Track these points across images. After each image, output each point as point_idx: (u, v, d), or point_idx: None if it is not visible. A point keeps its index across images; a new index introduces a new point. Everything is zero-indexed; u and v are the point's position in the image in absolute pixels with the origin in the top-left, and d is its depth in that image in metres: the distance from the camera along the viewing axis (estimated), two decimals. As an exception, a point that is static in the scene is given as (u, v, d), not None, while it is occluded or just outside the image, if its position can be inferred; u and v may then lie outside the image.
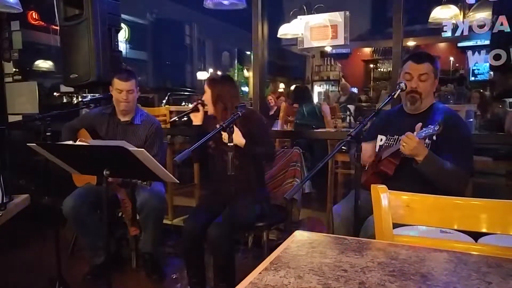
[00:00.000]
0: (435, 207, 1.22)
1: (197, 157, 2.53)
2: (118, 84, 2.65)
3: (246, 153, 2.30)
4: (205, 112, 2.45)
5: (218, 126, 1.96)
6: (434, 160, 1.86)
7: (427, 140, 1.88)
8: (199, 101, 2.44)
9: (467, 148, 2.00)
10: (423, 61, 2.05)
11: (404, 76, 2.08)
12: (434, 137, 1.85)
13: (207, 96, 2.39)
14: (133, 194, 2.60)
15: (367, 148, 2.08)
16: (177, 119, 2.44)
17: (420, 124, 1.87)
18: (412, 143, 1.82)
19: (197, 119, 2.44)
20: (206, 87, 2.42)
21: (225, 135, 2.22)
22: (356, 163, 1.73)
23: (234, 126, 2.20)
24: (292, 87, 12.20)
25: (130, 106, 2.71)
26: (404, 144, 1.84)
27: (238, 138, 2.25)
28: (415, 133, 1.84)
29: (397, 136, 2.09)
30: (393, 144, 2.11)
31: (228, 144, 1.92)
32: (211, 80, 2.45)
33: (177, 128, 4.12)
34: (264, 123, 2.53)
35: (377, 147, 2.22)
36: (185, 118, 2.71)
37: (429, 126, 1.80)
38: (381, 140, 2.20)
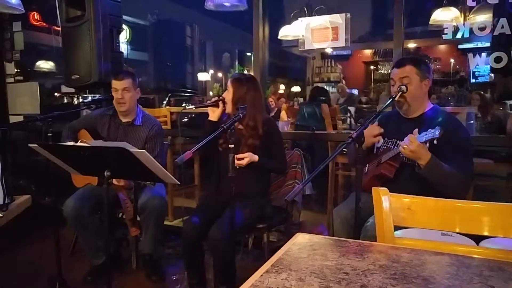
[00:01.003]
0: (436, 209, 1.22)
1: (206, 152, 2.53)
2: (114, 84, 2.68)
3: (258, 167, 2.31)
4: (223, 110, 2.40)
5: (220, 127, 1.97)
6: (437, 165, 1.86)
7: (427, 144, 1.88)
8: (221, 98, 2.41)
9: (467, 151, 2.00)
10: (403, 65, 2.07)
11: (390, 82, 2.12)
12: (435, 141, 1.85)
13: (229, 95, 2.37)
14: (134, 194, 2.61)
15: (371, 127, 2.09)
16: (194, 108, 2.40)
17: (416, 129, 1.87)
18: (412, 146, 1.82)
19: (214, 114, 2.40)
20: (229, 85, 2.40)
21: (240, 157, 2.24)
22: (357, 166, 1.73)
23: (244, 155, 2.24)
24: (293, 88, 12.24)
25: (127, 106, 2.71)
26: (405, 146, 1.84)
27: (250, 158, 2.27)
28: (415, 136, 1.84)
29: (395, 140, 2.10)
30: (391, 147, 2.11)
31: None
32: (236, 79, 2.41)
33: (177, 129, 4.12)
34: (280, 134, 2.52)
35: (375, 150, 2.22)
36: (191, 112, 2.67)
37: (430, 130, 1.79)
38: (379, 142, 2.20)
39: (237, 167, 2.13)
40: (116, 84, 2.67)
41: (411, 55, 7.67)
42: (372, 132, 2.10)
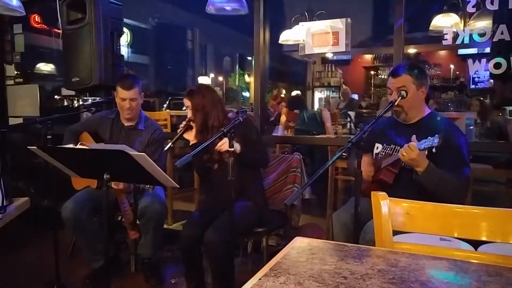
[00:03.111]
0: (435, 214, 1.22)
1: (198, 171, 2.53)
2: (121, 93, 2.64)
3: (241, 159, 2.24)
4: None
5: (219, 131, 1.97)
6: (435, 172, 1.87)
7: (425, 152, 1.89)
8: (188, 120, 2.36)
9: (464, 157, 2.01)
10: (399, 74, 2.06)
11: (387, 90, 2.12)
12: (433, 150, 1.86)
13: (189, 111, 2.36)
14: (134, 198, 2.60)
15: (364, 162, 2.07)
16: (172, 145, 2.32)
17: (414, 136, 1.88)
18: (412, 154, 1.83)
19: (191, 136, 2.36)
20: (186, 102, 2.37)
21: (221, 144, 2.18)
22: (357, 170, 1.73)
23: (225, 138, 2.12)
24: (293, 93, 12.26)
25: (133, 113, 2.72)
26: (404, 153, 1.85)
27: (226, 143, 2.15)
28: (415, 143, 1.84)
29: (394, 145, 2.11)
30: (390, 153, 2.11)
31: (228, 150, 1.92)
32: (188, 93, 2.39)
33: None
34: (257, 128, 2.50)
35: (374, 155, 2.23)
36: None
37: (429, 138, 1.80)
38: (377, 148, 2.21)
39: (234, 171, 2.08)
40: (124, 94, 2.63)
41: (409, 61, 7.67)
42: (363, 168, 2.04)
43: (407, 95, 2.02)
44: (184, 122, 2.37)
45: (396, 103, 2.03)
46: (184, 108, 2.54)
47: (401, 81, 2.05)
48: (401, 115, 2.09)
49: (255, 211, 2.35)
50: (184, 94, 2.46)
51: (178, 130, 2.37)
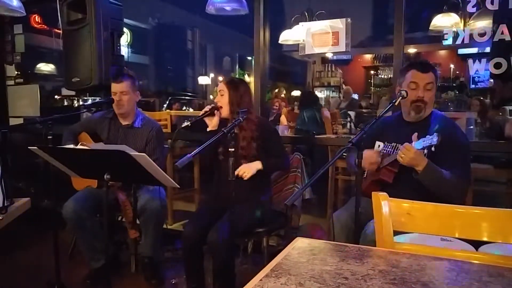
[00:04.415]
0: (435, 215, 1.22)
1: (206, 161, 2.54)
2: (113, 87, 2.70)
3: (265, 171, 2.33)
4: (220, 117, 2.36)
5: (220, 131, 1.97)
6: (434, 170, 1.87)
7: (425, 151, 1.88)
8: (213, 105, 2.35)
9: (465, 157, 2.01)
10: (428, 70, 2.05)
11: (409, 85, 2.05)
12: (433, 149, 1.85)
13: (224, 99, 2.35)
14: (134, 196, 2.61)
15: (370, 155, 2.07)
16: (189, 124, 2.24)
17: (416, 134, 1.87)
18: (410, 154, 1.83)
19: (212, 124, 2.35)
20: (224, 88, 2.36)
21: (243, 172, 2.25)
22: (357, 170, 1.73)
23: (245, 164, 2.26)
24: (293, 92, 12.28)
25: (125, 108, 2.72)
26: (403, 155, 1.85)
27: (254, 167, 2.29)
28: (413, 143, 1.84)
29: (395, 144, 2.10)
30: (391, 151, 2.11)
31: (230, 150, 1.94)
32: (231, 82, 2.40)
33: (178, 132, 4.14)
34: (278, 133, 2.57)
35: None
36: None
37: (428, 136, 1.80)
38: (379, 146, 2.21)
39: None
40: (114, 87, 2.69)
41: (420, 60, 7.65)
42: (370, 159, 2.07)
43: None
44: (208, 107, 2.36)
45: (396, 103, 2.02)
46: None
47: (430, 77, 2.04)
48: (422, 111, 2.06)
49: (258, 211, 2.35)
50: (223, 80, 2.47)
51: (202, 112, 2.35)
